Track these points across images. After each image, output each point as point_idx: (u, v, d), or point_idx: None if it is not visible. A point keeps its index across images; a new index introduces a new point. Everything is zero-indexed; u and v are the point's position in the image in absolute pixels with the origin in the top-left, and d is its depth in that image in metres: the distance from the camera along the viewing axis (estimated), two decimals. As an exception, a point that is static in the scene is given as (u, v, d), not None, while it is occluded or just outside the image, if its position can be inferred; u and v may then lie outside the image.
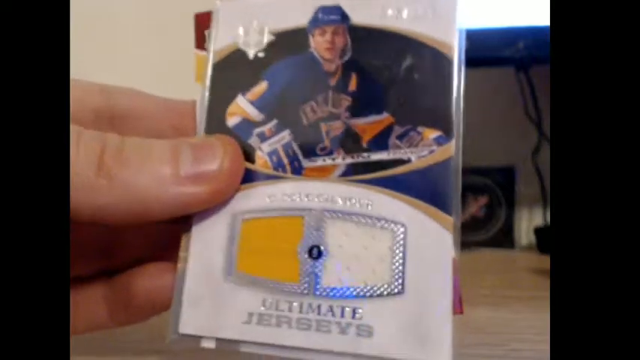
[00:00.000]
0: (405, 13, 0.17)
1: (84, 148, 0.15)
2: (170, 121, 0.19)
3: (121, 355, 0.22)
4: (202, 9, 0.19)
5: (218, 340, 0.16)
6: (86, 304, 0.19)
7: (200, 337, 0.16)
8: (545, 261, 0.46)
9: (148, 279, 0.17)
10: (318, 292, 0.16)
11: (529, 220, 0.58)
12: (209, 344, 0.16)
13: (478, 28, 0.46)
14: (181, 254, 0.17)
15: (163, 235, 0.18)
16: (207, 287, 0.16)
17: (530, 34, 0.45)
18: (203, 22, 0.18)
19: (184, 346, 0.16)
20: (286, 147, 0.17)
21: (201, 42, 0.18)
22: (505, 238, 0.54)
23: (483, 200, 0.55)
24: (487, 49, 0.45)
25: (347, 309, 0.16)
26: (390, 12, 0.17)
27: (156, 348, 0.23)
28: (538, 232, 0.54)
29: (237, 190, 0.17)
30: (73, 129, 0.15)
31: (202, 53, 0.18)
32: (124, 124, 0.19)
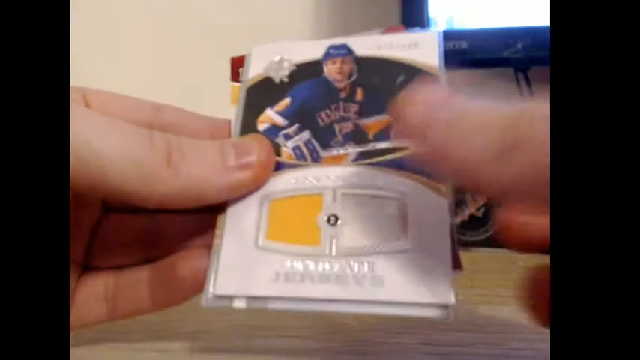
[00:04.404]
0: (395, 46, 0.22)
1: (156, 145, 0.18)
2: (210, 134, 0.22)
3: (119, 350, 0.22)
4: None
5: (248, 299, 0.18)
6: (130, 289, 0.21)
7: (232, 298, 0.18)
8: (543, 260, 0.46)
9: (192, 261, 0.20)
10: (336, 252, 0.19)
11: (527, 220, 0.58)
12: (240, 304, 0.18)
13: (477, 29, 0.46)
14: (217, 232, 0.20)
15: (199, 226, 0.21)
16: (239, 255, 0.19)
17: (528, 34, 0.45)
18: (237, 63, 0.23)
19: (218, 306, 0.18)
20: (307, 143, 0.21)
21: (236, 77, 0.23)
22: (504, 238, 0.55)
23: (482, 200, 0.56)
24: (485, 50, 0.45)
25: (362, 264, 0.18)
26: (383, 45, 0.22)
27: (155, 346, 0.23)
28: (536, 232, 0.54)
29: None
30: (143, 131, 0.18)
31: (237, 84, 0.23)
32: None
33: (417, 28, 0.22)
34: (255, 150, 0.20)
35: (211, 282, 0.19)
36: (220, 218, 0.20)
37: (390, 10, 0.52)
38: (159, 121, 0.21)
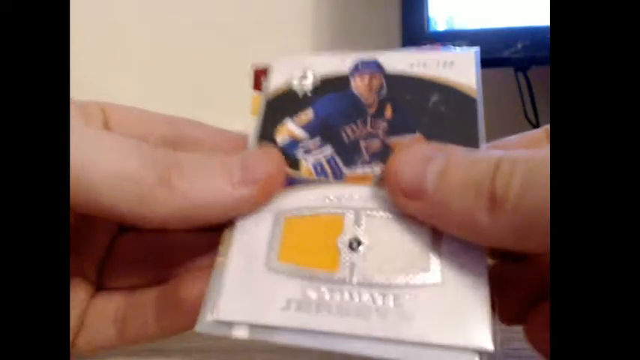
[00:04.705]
0: (429, 65, 0.20)
1: (152, 163, 0.17)
2: (226, 148, 0.21)
3: (118, 350, 0.22)
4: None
5: (252, 328, 0.16)
6: (137, 313, 0.20)
7: (232, 326, 0.16)
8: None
9: (198, 283, 0.18)
10: (357, 281, 0.16)
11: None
12: (241, 332, 0.16)
13: (477, 29, 0.46)
14: (221, 248, 0.18)
15: (211, 245, 0.19)
16: (247, 277, 0.17)
17: (528, 34, 0.45)
18: (260, 74, 0.22)
19: (215, 333, 0.16)
20: (329, 159, 0.19)
21: (258, 86, 0.21)
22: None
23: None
24: (485, 50, 0.45)
25: (387, 296, 0.16)
26: (416, 64, 0.21)
27: (153, 347, 0.23)
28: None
29: (281, 192, 0.19)
30: (140, 148, 0.17)
31: (258, 94, 0.21)
32: (187, 150, 0.20)
33: (452, 46, 0.21)
34: (263, 163, 0.18)
35: (211, 305, 0.16)
36: (227, 233, 0.18)
37: (390, 9, 0.52)
38: (175, 135, 0.21)
